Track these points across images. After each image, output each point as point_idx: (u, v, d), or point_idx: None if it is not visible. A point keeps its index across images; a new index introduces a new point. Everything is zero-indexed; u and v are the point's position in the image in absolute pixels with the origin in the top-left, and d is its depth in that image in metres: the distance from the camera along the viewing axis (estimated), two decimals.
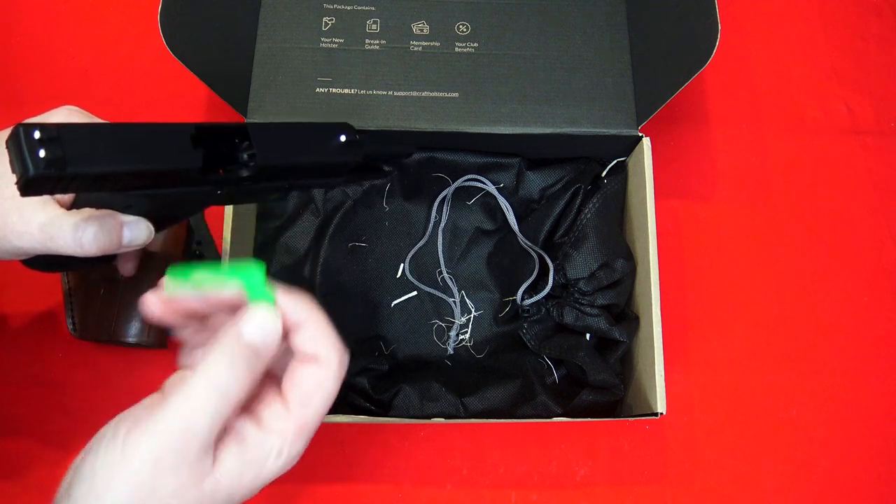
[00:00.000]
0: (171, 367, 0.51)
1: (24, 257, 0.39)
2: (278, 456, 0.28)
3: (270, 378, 0.31)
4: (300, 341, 0.30)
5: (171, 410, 0.26)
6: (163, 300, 0.31)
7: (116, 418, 0.28)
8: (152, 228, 0.37)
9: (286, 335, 0.30)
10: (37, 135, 0.27)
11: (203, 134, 0.32)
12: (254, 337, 0.28)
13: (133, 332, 0.51)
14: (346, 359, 0.30)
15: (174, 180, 0.33)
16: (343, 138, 0.37)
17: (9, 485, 0.52)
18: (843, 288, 0.59)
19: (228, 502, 0.28)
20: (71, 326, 0.52)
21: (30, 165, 0.27)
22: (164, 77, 0.61)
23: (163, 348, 0.53)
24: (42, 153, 0.27)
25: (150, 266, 0.52)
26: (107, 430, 0.27)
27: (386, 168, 0.42)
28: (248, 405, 0.29)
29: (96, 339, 0.52)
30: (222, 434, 0.28)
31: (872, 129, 0.63)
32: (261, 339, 0.28)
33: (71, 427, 0.53)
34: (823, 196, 0.61)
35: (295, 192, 0.55)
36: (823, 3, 0.66)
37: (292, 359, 0.30)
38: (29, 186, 0.27)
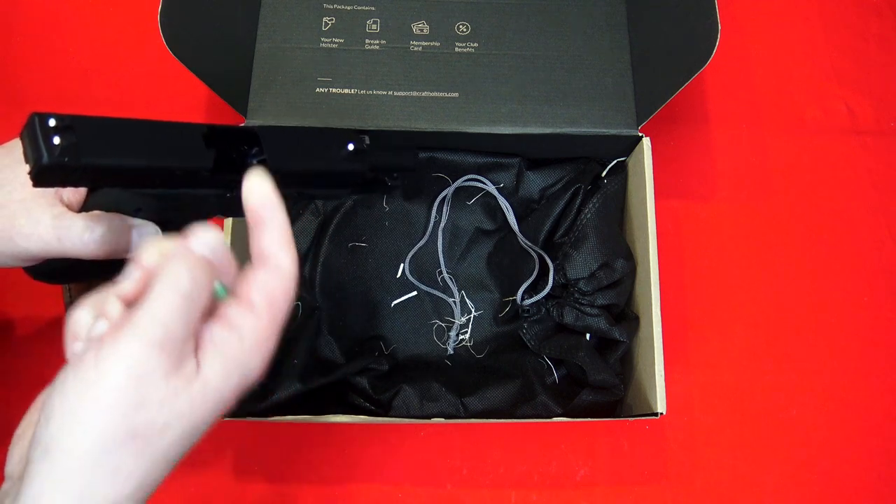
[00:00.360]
0: None
1: (30, 263, 0.38)
2: (259, 348, 0.29)
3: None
4: (263, 241, 0.30)
5: (143, 318, 0.26)
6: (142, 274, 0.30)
7: (73, 358, 0.27)
8: (160, 232, 0.37)
9: (251, 230, 0.31)
10: (51, 122, 0.27)
11: (215, 134, 0.32)
12: (203, 249, 0.29)
13: None
14: (296, 262, 0.31)
15: (185, 180, 0.33)
16: (351, 147, 0.38)
17: None
18: (843, 288, 0.59)
19: (219, 405, 0.28)
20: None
21: (44, 152, 0.27)
22: (164, 77, 0.61)
23: None
24: (56, 140, 0.27)
25: None
26: (66, 371, 0.26)
27: (389, 182, 0.42)
28: (214, 315, 0.29)
29: None
30: (199, 342, 0.28)
31: (872, 129, 0.63)
32: (209, 251, 0.29)
33: None
34: (823, 196, 0.61)
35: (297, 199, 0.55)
36: (823, 3, 0.66)
37: (249, 263, 0.30)
38: (42, 175, 0.28)
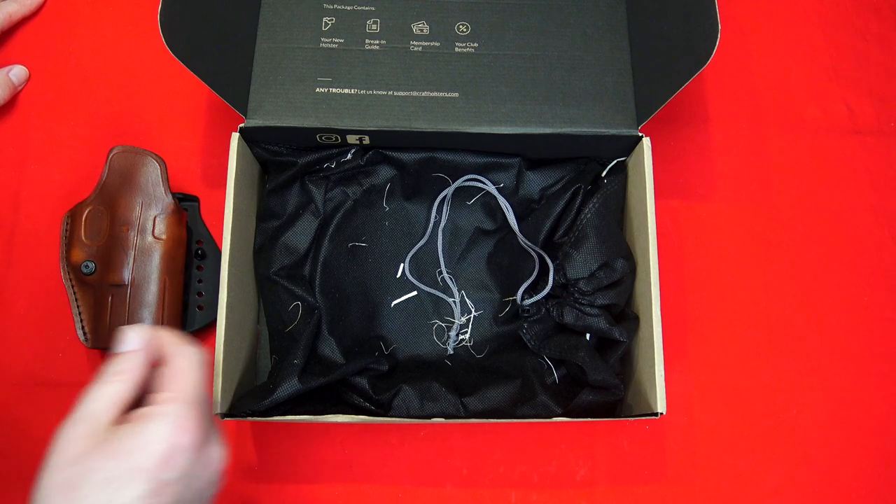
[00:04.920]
0: None
1: None
2: (166, 419, 0.34)
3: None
4: (163, 351, 0.38)
5: (81, 410, 0.35)
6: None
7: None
8: None
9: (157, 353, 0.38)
10: None
11: None
12: (125, 345, 0.38)
13: None
14: (200, 354, 0.38)
15: None
16: None
17: (10, 485, 0.52)
18: (843, 288, 0.59)
19: (143, 475, 0.33)
20: (83, 337, 0.52)
21: None
22: (164, 77, 0.61)
23: None
24: None
25: (155, 268, 0.52)
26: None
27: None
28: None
29: (109, 346, 0.51)
30: (128, 424, 0.34)
31: (872, 129, 0.63)
32: (131, 345, 0.37)
33: None
34: (823, 196, 0.61)
35: (295, 192, 0.56)
36: (823, 3, 0.66)
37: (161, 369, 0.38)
38: None
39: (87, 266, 0.52)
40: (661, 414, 0.46)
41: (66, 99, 0.61)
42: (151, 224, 0.53)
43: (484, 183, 0.56)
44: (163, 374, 0.37)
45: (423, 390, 0.51)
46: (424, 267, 0.57)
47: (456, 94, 0.52)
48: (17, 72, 0.60)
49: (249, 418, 0.46)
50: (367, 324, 0.55)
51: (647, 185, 0.50)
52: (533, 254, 0.54)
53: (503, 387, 0.51)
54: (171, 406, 0.35)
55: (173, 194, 0.54)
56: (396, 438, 0.54)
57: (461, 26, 0.55)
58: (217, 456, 0.36)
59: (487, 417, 0.50)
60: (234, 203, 0.49)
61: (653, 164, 0.50)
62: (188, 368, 0.37)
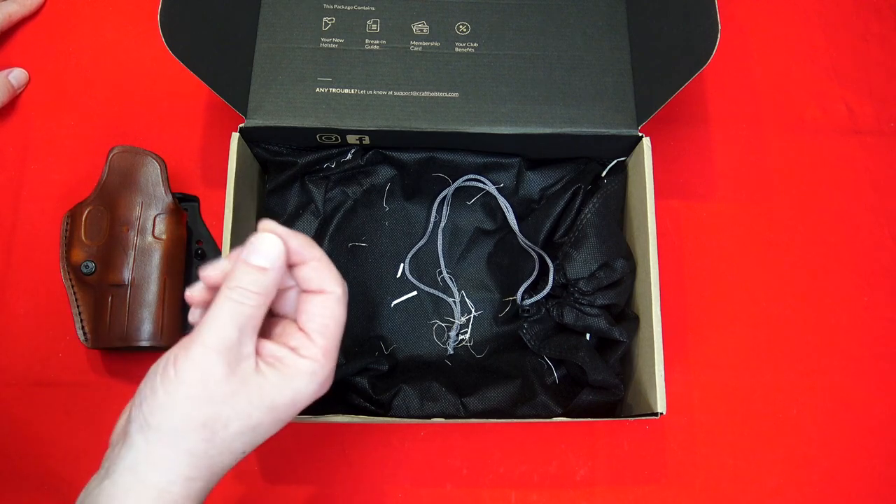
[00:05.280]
0: None
1: None
2: (312, 375, 0.33)
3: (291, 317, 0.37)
4: (306, 276, 0.35)
5: (205, 332, 0.32)
6: (207, 286, 0.35)
7: (163, 357, 0.33)
8: None
9: (292, 268, 0.35)
10: None
11: None
12: (260, 261, 0.33)
13: (146, 335, 0.51)
14: (346, 287, 0.35)
15: None
16: None
17: (11, 485, 0.52)
18: (843, 288, 0.59)
19: (272, 412, 0.32)
20: (83, 337, 0.52)
21: None
22: (164, 77, 0.61)
23: None
24: None
25: (155, 268, 0.52)
26: (157, 366, 0.32)
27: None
28: (280, 337, 0.35)
29: (109, 346, 0.51)
30: (265, 358, 0.33)
31: (872, 129, 0.63)
32: (267, 261, 0.33)
33: (80, 430, 0.53)
34: (823, 196, 0.61)
35: (295, 192, 0.56)
36: (823, 3, 0.66)
37: (302, 294, 0.35)
38: None
39: (87, 266, 0.52)
40: (661, 414, 0.46)
41: (66, 99, 0.61)
42: (151, 224, 0.53)
43: (484, 183, 0.56)
44: (308, 301, 0.34)
45: (423, 390, 0.51)
46: (424, 267, 0.57)
47: (456, 94, 0.52)
48: (17, 74, 0.60)
49: None
50: (367, 324, 0.55)
51: (647, 185, 0.50)
52: (533, 254, 0.54)
53: (503, 387, 0.51)
54: (315, 354, 0.33)
55: (173, 194, 0.54)
56: (396, 438, 0.54)
57: (461, 26, 0.55)
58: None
59: (487, 417, 0.50)
60: (234, 203, 0.49)
61: (653, 164, 0.50)
62: (338, 315, 0.34)
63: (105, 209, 0.53)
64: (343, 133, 0.52)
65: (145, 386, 0.32)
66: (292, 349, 0.34)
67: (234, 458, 0.33)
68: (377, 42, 0.54)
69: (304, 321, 0.34)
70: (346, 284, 0.35)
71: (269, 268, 0.33)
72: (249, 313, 0.32)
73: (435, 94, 0.52)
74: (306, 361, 0.33)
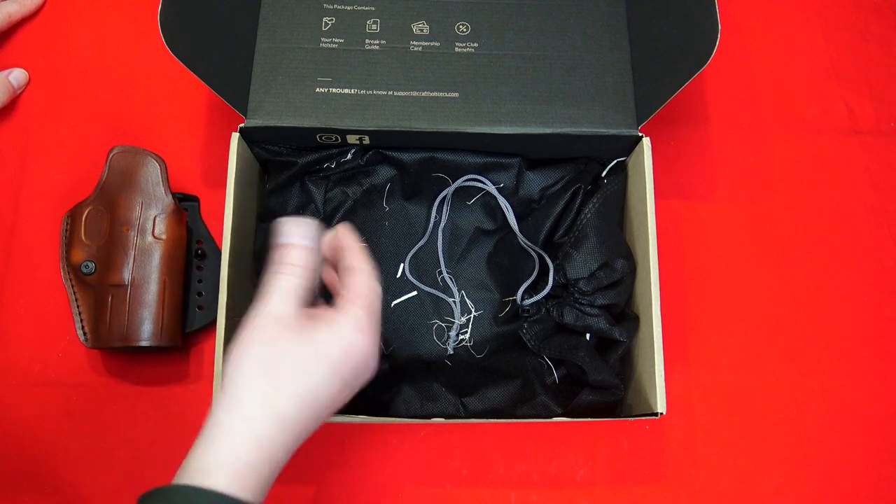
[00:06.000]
0: (176, 364, 0.51)
1: None
2: (356, 323, 0.38)
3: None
4: (346, 259, 0.41)
5: (267, 293, 0.39)
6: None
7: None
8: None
9: (336, 254, 0.42)
10: None
11: None
12: (301, 241, 0.40)
13: (146, 334, 0.51)
14: (375, 268, 0.41)
15: None
16: None
17: (11, 485, 0.52)
18: (843, 288, 0.59)
19: (328, 363, 0.37)
20: (83, 337, 0.52)
21: None
22: (164, 77, 0.61)
23: (175, 347, 0.53)
24: None
25: (155, 268, 0.52)
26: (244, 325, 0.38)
27: None
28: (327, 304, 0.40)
29: (109, 346, 0.51)
30: (316, 320, 0.38)
31: (872, 129, 0.63)
32: (308, 240, 0.40)
33: (80, 430, 0.53)
34: (823, 196, 0.61)
35: (295, 192, 0.56)
36: (823, 3, 0.66)
37: (341, 273, 0.41)
38: None
39: (87, 266, 0.52)
40: (661, 414, 0.46)
41: (66, 99, 0.61)
42: (151, 224, 0.53)
43: (484, 183, 0.56)
44: (345, 277, 0.40)
45: (423, 390, 0.51)
46: (424, 267, 0.57)
47: (456, 94, 0.52)
48: (17, 75, 0.60)
49: None
50: None
51: (647, 185, 0.50)
52: (533, 254, 0.54)
53: (503, 387, 0.51)
54: (355, 310, 0.38)
55: (173, 194, 0.54)
56: (396, 438, 0.54)
57: (461, 26, 0.55)
58: (373, 367, 0.40)
59: (487, 417, 0.50)
60: (234, 203, 0.49)
61: (653, 164, 0.50)
62: (370, 283, 0.40)
63: (105, 209, 0.53)
64: (343, 133, 0.52)
65: (232, 342, 0.38)
66: (336, 310, 0.39)
67: (297, 407, 0.36)
68: (377, 42, 0.54)
69: (345, 291, 0.40)
70: (374, 267, 0.41)
71: (301, 245, 0.40)
72: (296, 283, 0.39)
73: (435, 94, 0.52)
74: (348, 314, 0.38)
